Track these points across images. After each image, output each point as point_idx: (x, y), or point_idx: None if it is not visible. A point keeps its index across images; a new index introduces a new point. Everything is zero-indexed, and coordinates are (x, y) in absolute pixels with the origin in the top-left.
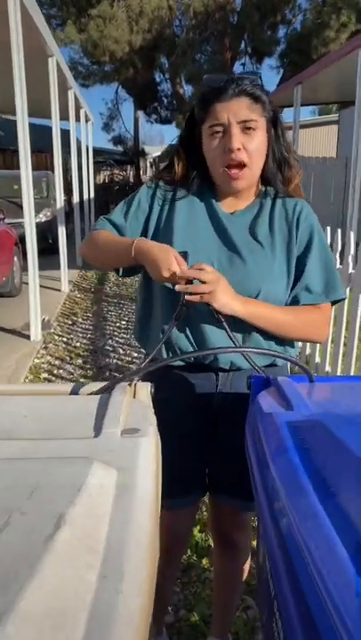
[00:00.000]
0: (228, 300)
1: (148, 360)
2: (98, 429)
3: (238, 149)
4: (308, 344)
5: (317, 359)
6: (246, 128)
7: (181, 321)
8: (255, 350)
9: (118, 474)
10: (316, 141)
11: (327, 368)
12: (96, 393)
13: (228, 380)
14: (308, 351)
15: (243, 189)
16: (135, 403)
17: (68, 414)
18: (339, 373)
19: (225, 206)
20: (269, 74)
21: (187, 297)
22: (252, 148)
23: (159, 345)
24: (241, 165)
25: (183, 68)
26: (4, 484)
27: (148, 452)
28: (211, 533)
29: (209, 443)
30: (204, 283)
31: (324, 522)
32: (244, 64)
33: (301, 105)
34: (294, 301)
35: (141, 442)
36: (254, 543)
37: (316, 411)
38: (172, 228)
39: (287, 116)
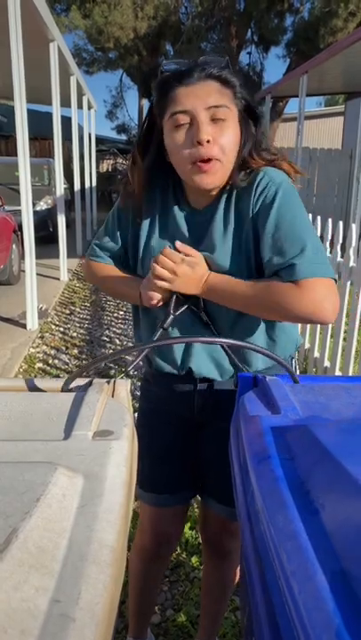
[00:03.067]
0: (189, 285)
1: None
2: (68, 431)
3: (208, 142)
4: (306, 339)
5: (316, 354)
6: (216, 118)
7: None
8: (233, 342)
9: (85, 482)
10: (321, 133)
11: (326, 363)
12: (70, 390)
13: (206, 386)
14: (306, 345)
15: (214, 187)
16: (112, 402)
17: (39, 413)
18: (337, 370)
19: (195, 202)
20: (276, 63)
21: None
22: (223, 141)
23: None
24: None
25: (188, 56)
26: None
27: (121, 456)
28: (200, 537)
29: (194, 442)
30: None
31: (305, 544)
32: (250, 53)
33: (307, 95)
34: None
35: (114, 445)
36: None
37: (305, 415)
38: (137, 249)
39: (292, 106)
